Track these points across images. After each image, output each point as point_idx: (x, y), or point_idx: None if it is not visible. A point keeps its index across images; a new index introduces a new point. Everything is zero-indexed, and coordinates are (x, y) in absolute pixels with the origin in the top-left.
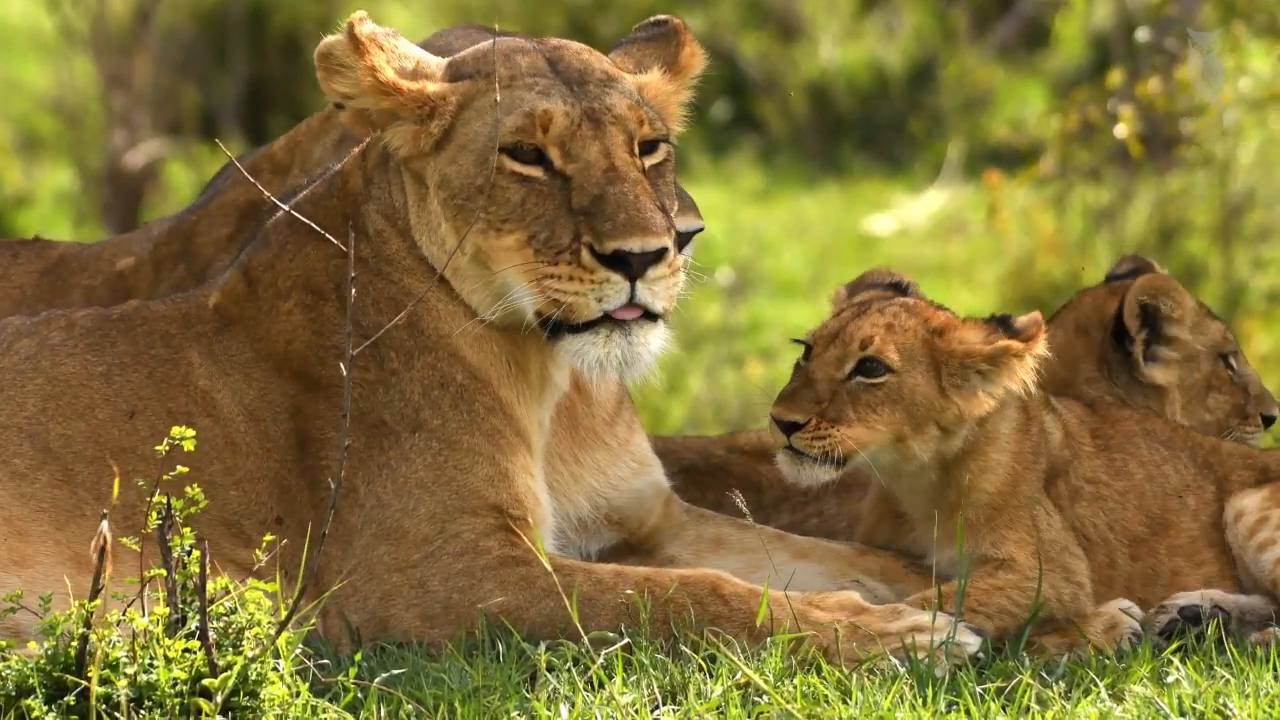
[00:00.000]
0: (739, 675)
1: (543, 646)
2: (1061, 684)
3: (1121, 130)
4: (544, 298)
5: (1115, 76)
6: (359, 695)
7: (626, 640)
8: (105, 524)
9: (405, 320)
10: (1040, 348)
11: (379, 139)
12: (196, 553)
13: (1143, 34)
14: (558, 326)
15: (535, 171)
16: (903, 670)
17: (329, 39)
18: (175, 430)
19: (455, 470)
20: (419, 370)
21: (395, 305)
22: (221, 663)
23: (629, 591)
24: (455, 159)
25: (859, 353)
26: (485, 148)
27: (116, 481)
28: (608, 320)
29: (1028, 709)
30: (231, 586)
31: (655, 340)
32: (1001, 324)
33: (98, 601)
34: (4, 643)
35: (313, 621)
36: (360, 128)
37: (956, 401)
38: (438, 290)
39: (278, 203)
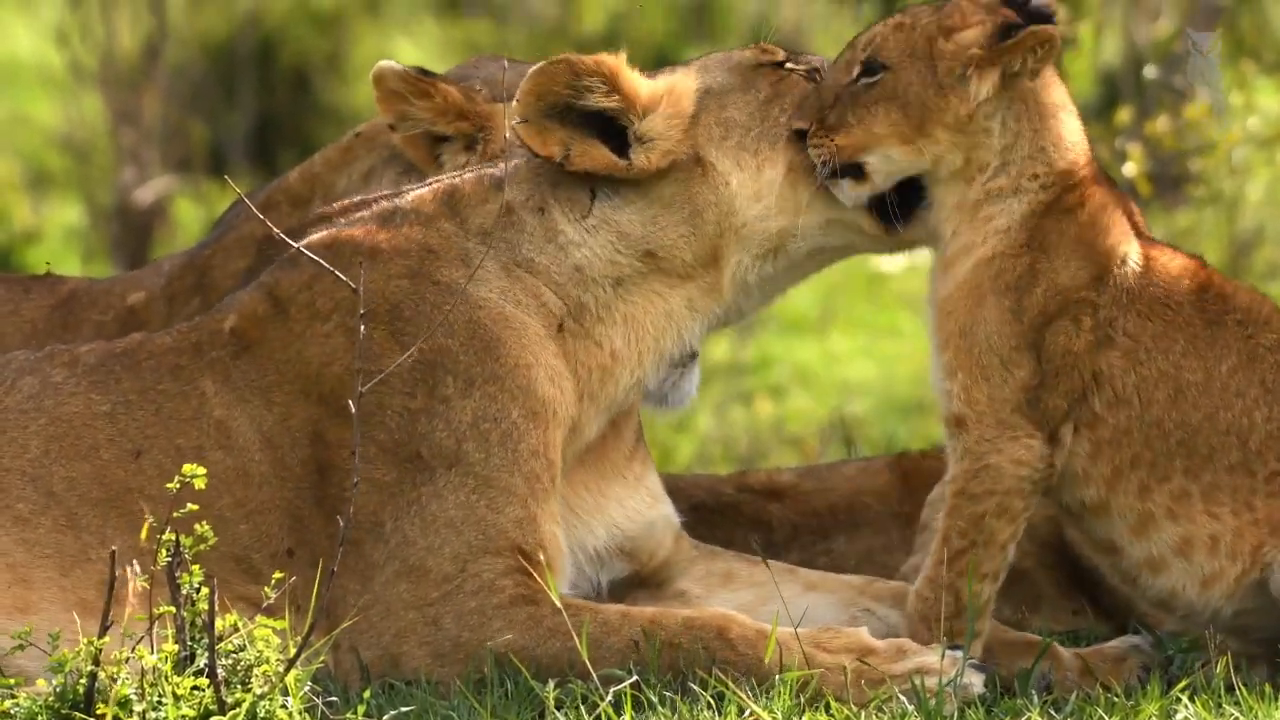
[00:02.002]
0: (747, 713)
1: (551, 684)
2: None
3: (1130, 169)
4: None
5: (1124, 115)
6: None
7: (635, 679)
8: (113, 560)
9: (480, 343)
10: (1044, 59)
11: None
12: (205, 590)
13: (1151, 72)
14: None
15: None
16: (911, 708)
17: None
18: (186, 468)
19: (486, 509)
20: (476, 399)
21: (470, 329)
22: (230, 700)
23: (636, 633)
24: (722, 103)
25: (862, 55)
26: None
27: (146, 526)
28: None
29: None
30: (240, 624)
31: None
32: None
33: (106, 639)
34: (12, 680)
35: (322, 658)
36: (410, 146)
37: (954, 100)
38: (536, 318)
39: (279, 234)
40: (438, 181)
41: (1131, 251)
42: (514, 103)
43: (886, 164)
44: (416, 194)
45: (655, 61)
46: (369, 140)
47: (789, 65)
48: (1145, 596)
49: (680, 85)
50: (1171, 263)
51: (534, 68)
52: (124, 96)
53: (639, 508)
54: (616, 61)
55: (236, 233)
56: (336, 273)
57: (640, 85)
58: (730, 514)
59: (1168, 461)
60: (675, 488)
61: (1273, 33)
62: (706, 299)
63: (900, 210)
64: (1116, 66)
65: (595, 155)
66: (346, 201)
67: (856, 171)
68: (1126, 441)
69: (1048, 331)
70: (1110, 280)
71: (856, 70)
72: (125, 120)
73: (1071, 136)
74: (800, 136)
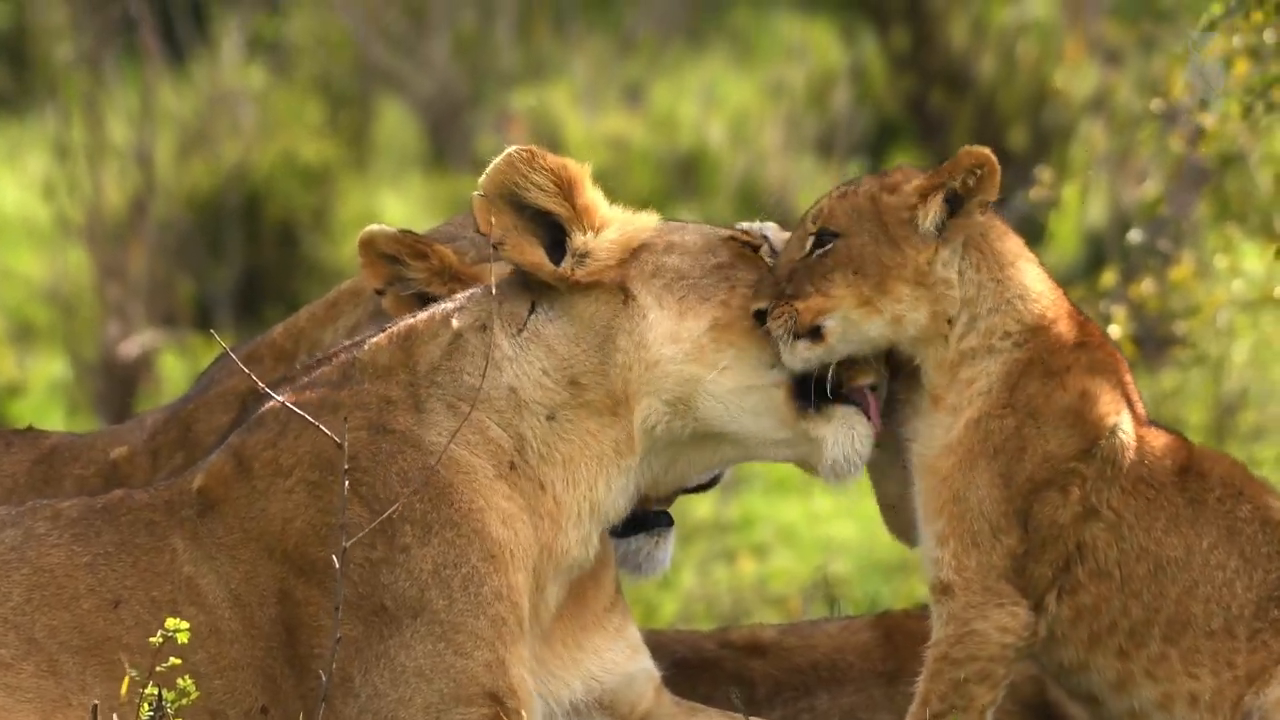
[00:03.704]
0: None
1: None
2: None
3: (1114, 331)
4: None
5: (1108, 277)
6: None
7: None
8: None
9: (433, 490)
10: (986, 181)
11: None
12: None
13: (1135, 235)
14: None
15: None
16: None
17: None
18: (170, 622)
19: (455, 656)
20: (435, 546)
21: (424, 477)
22: None
23: None
24: (669, 251)
25: (813, 228)
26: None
27: (127, 680)
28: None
29: None
30: None
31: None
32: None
33: None
34: None
35: None
36: (400, 309)
37: (910, 252)
38: (485, 458)
39: (264, 388)
40: (394, 325)
41: (1122, 422)
42: (481, 177)
43: (845, 325)
44: (373, 343)
45: None
46: (354, 296)
47: (762, 252)
48: None
49: (639, 222)
50: (1156, 440)
51: (509, 149)
52: (110, 251)
53: (618, 660)
54: (580, 171)
55: (220, 387)
56: (320, 426)
57: (596, 203)
58: (712, 670)
59: (1146, 629)
60: (657, 643)
61: (1258, 196)
62: (626, 451)
63: (818, 396)
64: (1102, 228)
65: (527, 250)
66: (308, 360)
67: (814, 334)
68: (1105, 609)
69: (1035, 501)
70: (1098, 453)
71: (810, 243)
72: (111, 274)
73: (1036, 285)
74: (759, 317)
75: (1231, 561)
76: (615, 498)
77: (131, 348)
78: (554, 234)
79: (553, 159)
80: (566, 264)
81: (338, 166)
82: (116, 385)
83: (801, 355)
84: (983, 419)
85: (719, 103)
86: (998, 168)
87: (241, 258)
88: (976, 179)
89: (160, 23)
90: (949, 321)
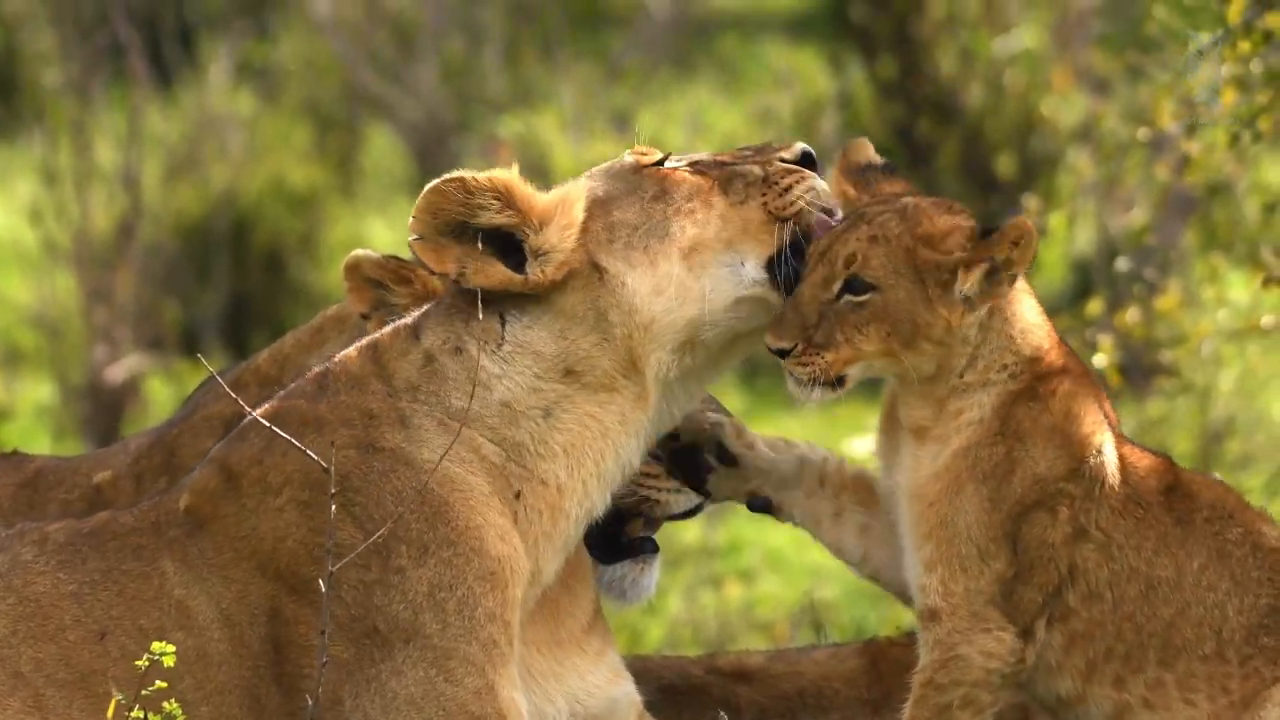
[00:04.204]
0: None
1: None
2: None
3: (1100, 360)
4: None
5: (1094, 306)
6: None
7: None
8: None
9: (429, 508)
10: (1025, 253)
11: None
12: None
13: (1122, 263)
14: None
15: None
16: None
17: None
18: (155, 646)
19: (446, 684)
20: (431, 567)
21: (419, 495)
22: None
23: None
24: (608, 208)
25: (844, 272)
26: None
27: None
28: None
29: None
30: None
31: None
32: (988, 233)
33: None
34: None
35: None
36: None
37: (942, 313)
38: (481, 475)
39: (252, 413)
40: (360, 341)
41: (1106, 443)
42: (410, 219)
43: (866, 371)
44: (343, 355)
45: None
46: (339, 321)
47: (669, 164)
48: None
49: (571, 194)
50: (1141, 461)
51: (429, 185)
52: (97, 275)
53: (600, 683)
54: (509, 177)
55: (205, 411)
56: (307, 450)
57: (534, 199)
58: (699, 696)
59: (1141, 653)
60: (644, 669)
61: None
62: (637, 410)
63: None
64: (1089, 257)
65: (491, 272)
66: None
67: (839, 381)
68: (1100, 634)
69: (1024, 522)
70: (1085, 472)
71: (838, 286)
72: (98, 299)
73: (1032, 318)
74: (779, 354)
75: (1223, 584)
76: (627, 459)
77: (118, 372)
78: (500, 243)
79: (481, 178)
80: (533, 269)
81: (325, 192)
82: (103, 409)
83: (818, 397)
84: (972, 447)
85: (706, 130)
86: (1037, 240)
87: (228, 282)
88: (1018, 249)
89: (148, 48)
90: (951, 370)
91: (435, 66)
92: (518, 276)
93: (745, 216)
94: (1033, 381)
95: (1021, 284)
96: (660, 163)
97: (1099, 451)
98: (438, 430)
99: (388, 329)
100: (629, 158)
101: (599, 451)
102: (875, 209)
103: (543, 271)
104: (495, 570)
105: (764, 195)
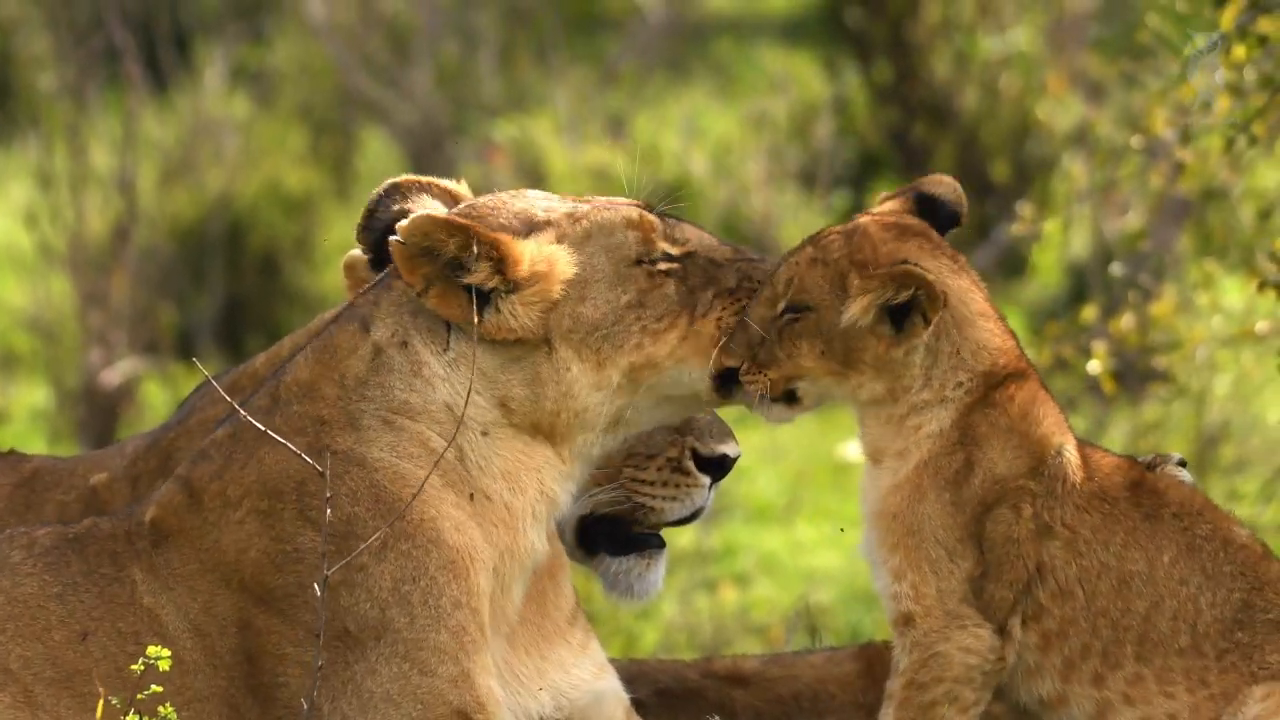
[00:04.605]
0: None
1: None
2: None
3: (1095, 366)
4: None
5: (1089, 312)
6: None
7: None
8: None
9: (384, 505)
10: (927, 307)
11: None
12: None
13: (1117, 268)
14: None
15: (672, 264)
16: None
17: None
18: (150, 650)
19: (420, 676)
20: (392, 561)
21: (373, 493)
22: None
23: None
24: (583, 295)
25: (784, 292)
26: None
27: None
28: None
29: None
30: None
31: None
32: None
33: None
34: None
35: None
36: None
37: (869, 340)
38: (430, 469)
39: (247, 416)
40: (311, 344)
41: (1066, 444)
42: (404, 220)
43: (816, 387)
44: (294, 363)
45: None
46: None
47: (666, 250)
48: None
49: (559, 267)
50: (1105, 460)
51: (442, 216)
52: (92, 279)
53: (585, 677)
54: (508, 241)
55: (200, 415)
56: (303, 455)
57: (521, 264)
58: (694, 700)
59: (1118, 649)
60: (639, 672)
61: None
62: (559, 463)
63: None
64: (1084, 262)
65: (451, 303)
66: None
67: (790, 397)
68: (1074, 632)
69: (988, 520)
70: (1046, 470)
71: (781, 306)
72: (93, 302)
73: (993, 342)
74: (729, 375)
75: (1194, 578)
76: (564, 493)
77: (113, 376)
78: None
79: (487, 237)
80: (491, 322)
81: (320, 195)
82: (98, 413)
83: (779, 415)
84: (932, 459)
85: (701, 134)
86: (929, 287)
87: (224, 286)
88: (904, 293)
89: (143, 52)
90: (905, 389)
91: (430, 70)
92: (472, 317)
93: (703, 331)
94: (988, 390)
95: (985, 308)
96: (654, 261)
97: (1059, 451)
98: (383, 428)
99: (337, 328)
100: (632, 239)
101: (538, 482)
102: (829, 230)
103: (497, 328)
104: (454, 559)
105: (723, 310)
